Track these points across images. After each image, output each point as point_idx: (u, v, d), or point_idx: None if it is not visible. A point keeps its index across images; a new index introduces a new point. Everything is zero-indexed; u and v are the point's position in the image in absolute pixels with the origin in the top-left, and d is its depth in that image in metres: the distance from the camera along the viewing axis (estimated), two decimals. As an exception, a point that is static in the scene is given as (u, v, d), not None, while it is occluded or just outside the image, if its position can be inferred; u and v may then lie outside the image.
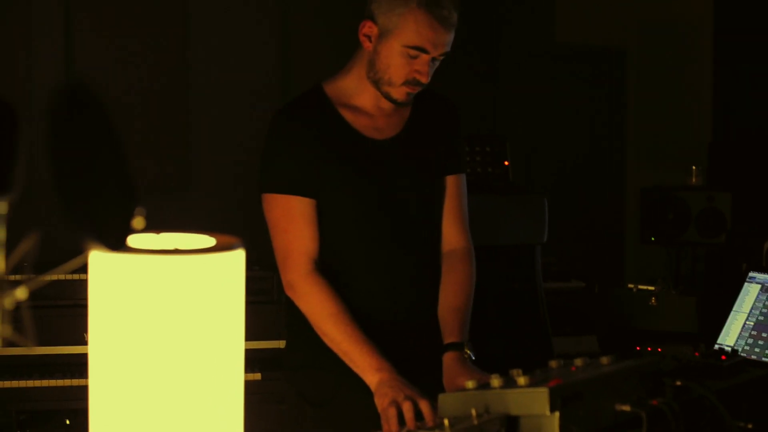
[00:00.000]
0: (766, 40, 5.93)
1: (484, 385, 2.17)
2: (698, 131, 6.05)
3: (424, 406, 2.46)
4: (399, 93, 2.77)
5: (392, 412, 2.50)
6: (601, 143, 6.24)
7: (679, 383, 2.29)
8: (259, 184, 2.82)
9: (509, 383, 2.14)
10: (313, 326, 2.74)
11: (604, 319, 5.01)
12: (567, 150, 6.10)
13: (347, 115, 2.82)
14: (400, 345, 2.78)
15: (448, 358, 2.73)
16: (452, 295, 2.87)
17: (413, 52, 2.71)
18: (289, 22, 5.42)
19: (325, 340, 2.72)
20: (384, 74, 2.75)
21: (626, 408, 2.14)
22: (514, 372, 2.20)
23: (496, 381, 2.15)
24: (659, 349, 4.67)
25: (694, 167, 5.28)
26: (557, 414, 2.00)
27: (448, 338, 2.78)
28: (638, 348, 4.76)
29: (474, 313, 2.95)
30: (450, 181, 2.95)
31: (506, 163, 4.41)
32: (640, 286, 5.04)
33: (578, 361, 2.32)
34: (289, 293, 2.77)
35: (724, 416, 2.30)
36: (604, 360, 2.30)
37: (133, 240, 1.48)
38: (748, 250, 4.46)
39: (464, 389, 2.18)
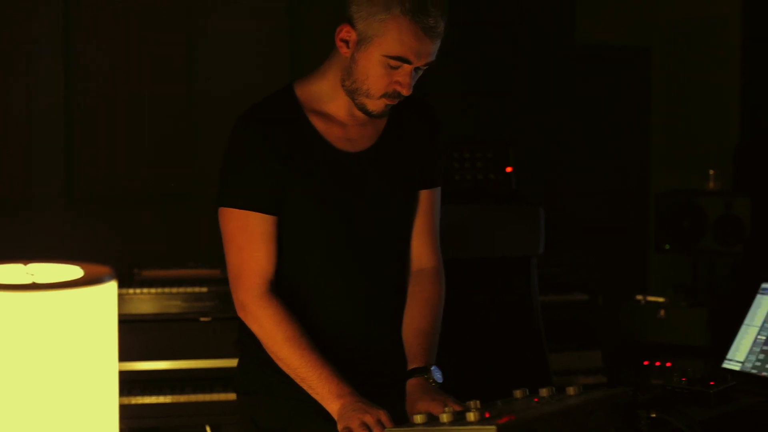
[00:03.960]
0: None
1: (432, 420, 2.04)
2: (724, 134, 5.92)
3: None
4: (376, 105, 2.59)
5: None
6: (623, 147, 6.12)
7: (654, 415, 2.13)
8: (216, 196, 2.64)
9: (459, 419, 2.00)
10: (267, 351, 2.59)
11: (610, 333, 4.87)
12: (587, 155, 5.98)
13: (318, 124, 2.63)
14: (366, 366, 2.64)
15: (411, 384, 2.56)
16: (419, 317, 2.70)
17: (394, 63, 2.51)
18: (297, 29, 5.33)
19: (281, 365, 2.57)
20: (362, 84, 2.56)
21: (586, 446, 1.98)
22: (471, 403, 2.06)
23: (445, 416, 2.02)
24: (668, 364, 4.53)
25: (711, 171, 5.12)
26: (505, 453, 1.84)
27: (413, 363, 2.61)
28: (646, 363, 4.62)
29: (465, 328, 2.81)
30: (423, 195, 2.77)
31: (508, 169, 4.25)
32: (649, 298, 4.90)
33: (543, 392, 2.17)
34: (241, 314, 2.62)
35: (705, 451, 2.13)
36: (572, 390, 2.15)
37: (-3, 272, 1.35)
38: (764, 259, 4.30)
39: (411, 424, 2.05)
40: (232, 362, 3.97)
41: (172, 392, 4.07)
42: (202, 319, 4.06)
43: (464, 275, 3.13)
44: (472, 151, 4.30)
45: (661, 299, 4.88)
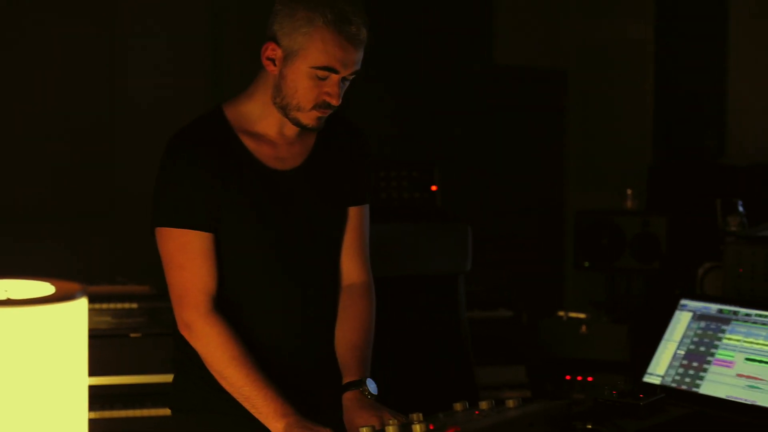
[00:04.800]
0: (706, 64, 5.93)
1: (377, 433, 2.08)
2: (638, 155, 6.02)
3: None
4: (309, 118, 2.63)
5: None
6: (541, 166, 6.19)
7: (589, 426, 2.19)
8: (152, 217, 2.64)
9: (404, 431, 2.04)
10: (210, 370, 2.60)
11: (534, 349, 4.93)
12: (504, 174, 6.04)
13: (249, 144, 2.66)
14: (304, 384, 2.66)
15: (348, 398, 2.59)
16: (351, 331, 2.74)
17: (322, 74, 2.56)
18: (220, 39, 5.34)
19: (224, 384, 2.58)
20: (292, 99, 2.60)
21: (530, 456, 2.04)
22: (414, 416, 2.11)
23: (392, 429, 2.05)
24: (590, 378, 4.61)
25: (629, 191, 5.22)
26: (452, 465, 1.90)
27: (348, 377, 2.65)
28: (568, 377, 4.69)
29: (394, 344, 2.84)
30: (352, 212, 2.81)
31: (434, 188, 4.31)
32: (571, 314, 4.97)
33: (483, 405, 2.22)
34: (185, 333, 2.62)
35: (638, 461, 2.21)
36: (511, 403, 2.22)
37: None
38: (682, 275, 4.40)
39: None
40: (162, 378, 3.99)
41: (101, 408, 4.04)
42: (132, 335, 4.05)
43: (394, 292, 3.17)
44: (398, 170, 4.35)
45: (582, 315, 4.95)
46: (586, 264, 5.11)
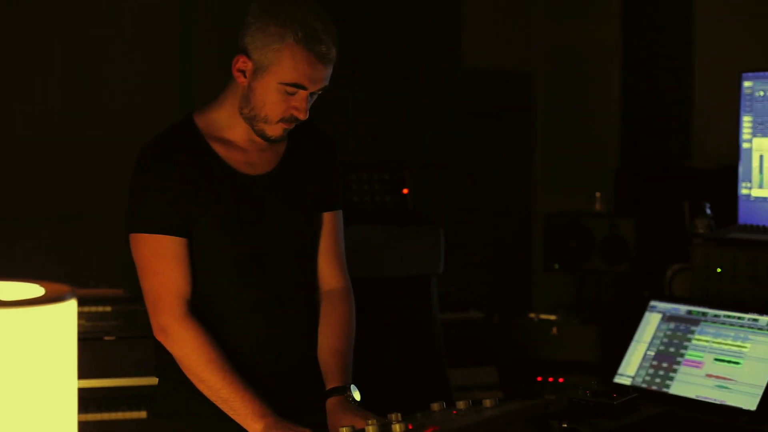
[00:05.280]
0: (673, 66, 5.97)
1: (357, 434, 2.09)
2: (605, 157, 6.06)
3: None
4: (274, 130, 2.66)
5: None
6: (507, 169, 6.21)
7: (565, 425, 2.22)
8: (126, 224, 2.66)
9: (384, 431, 2.05)
10: (187, 373, 2.61)
11: (505, 350, 4.95)
12: (472, 176, 6.06)
13: (220, 150, 2.69)
14: (280, 388, 2.68)
15: (332, 403, 2.62)
16: (332, 336, 2.76)
17: (291, 89, 2.59)
18: (189, 45, 5.34)
19: (201, 387, 2.60)
20: (260, 111, 2.63)
21: (508, 454, 2.06)
22: (393, 416, 2.12)
23: (371, 428, 2.07)
24: (560, 380, 4.64)
25: (598, 194, 5.25)
26: (432, 464, 1.92)
27: (331, 383, 2.67)
28: (539, 378, 4.72)
29: (368, 346, 2.86)
30: (326, 218, 2.84)
31: (405, 191, 4.33)
32: (542, 316, 5.00)
33: (461, 404, 2.25)
34: (161, 338, 2.63)
35: (613, 459, 2.23)
36: (488, 402, 2.24)
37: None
38: (651, 277, 4.43)
39: (336, 438, 2.09)
40: (137, 381, 3.99)
41: (83, 412, 4.05)
42: (106, 338, 4.04)
43: (367, 294, 3.18)
44: (369, 173, 4.37)
45: (553, 317, 4.98)
46: (556, 266, 5.13)
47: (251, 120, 2.65)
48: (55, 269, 4.62)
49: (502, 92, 6.26)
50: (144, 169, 2.64)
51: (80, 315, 4.05)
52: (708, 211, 3.95)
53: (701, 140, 5.89)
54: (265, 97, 2.60)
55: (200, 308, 2.65)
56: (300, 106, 2.61)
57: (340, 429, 2.10)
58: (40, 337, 1.39)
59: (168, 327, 2.60)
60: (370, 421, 2.10)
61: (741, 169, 3.75)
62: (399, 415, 2.12)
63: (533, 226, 6.13)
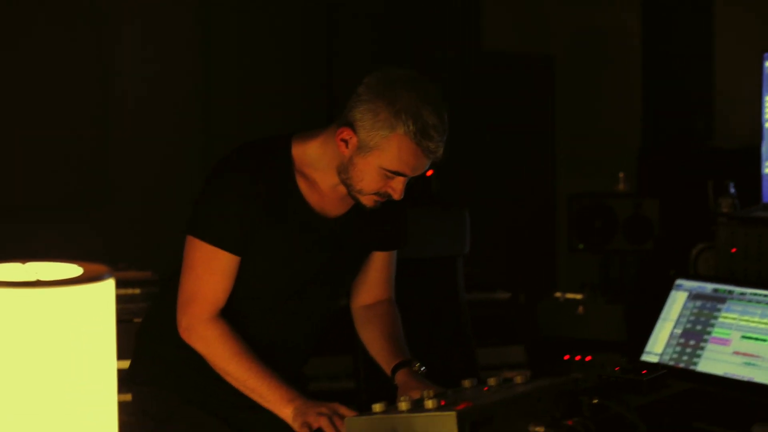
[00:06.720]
0: (693, 46, 5.95)
1: (391, 409, 2.12)
2: (627, 138, 6.05)
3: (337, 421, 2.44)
4: (367, 200, 2.64)
5: (324, 421, 2.45)
6: (530, 150, 6.21)
7: (596, 401, 2.23)
8: (189, 224, 2.69)
9: (417, 407, 2.08)
10: (214, 368, 2.67)
11: (532, 329, 4.96)
12: (495, 157, 6.06)
13: (302, 185, 2.68)
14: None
15: (401, 375, 2.68)
16: (386, 325, 2.84)
17: (390, 174, 2.57)
18: (211, 32, 5.37)
19: (229, 380, 2.65)
20: (356, 184, 2.61)
21: (540, 429, 2.08)
22: (425, 393, 2.14)
23: (403, 404, 2.09)
24: (588, 358, 4.65)
25: (621, 174, 5.25)
26: (466, 439, 1.94)
27: (394, 360, 2.73)
28: (566, 357, 4.73)
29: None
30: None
31: (430, 173, 4.34)
32: (568, 295, 5.00)
33: (491, 381, 2.27)
34: (185, 335, 2.67)
35: (643, 434, 2.24)
36: (519, 379, 2.25)
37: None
38: (675, 256, 4.43)
39: (371, 413, 2.12)
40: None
41: (121, 391, 4.07)
42: (135, 320, 4.06)
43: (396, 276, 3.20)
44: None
45: (578, 296, 4.99)
46: (580, 246, 5.14)
47: (347, 186, 2.64)
48: (85, 251, 4.67)
49: (524, 75, 6.26)
50: (226, 183, 2.66)
51: (110, 298, 4.08)
52: (732, 190, 3.95)
53: (724, 119, 5.88)
54: (364, 174, 2.58)
55: (232, 310, 2.71)
56: (397, 188, 2.59)
57: (373, 405, 2.13)
58: (79, 316, 1.41)
59: (193, 327, 2.66)
60: (402, 397, 2.13)
61: (764, 148, 3.75)
62: (431, 391, 2.14)
63: (557, 206, 6.13)
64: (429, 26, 5.95)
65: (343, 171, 2.62)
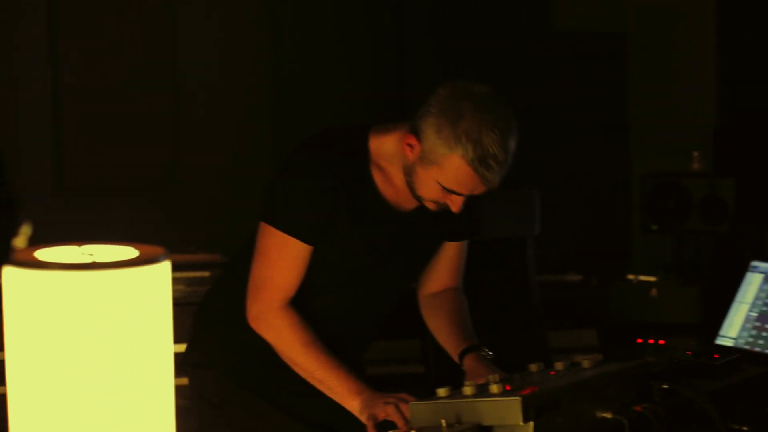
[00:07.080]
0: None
1: (456, 394, 2.09)
2: (702, 116, 5.96)
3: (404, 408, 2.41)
4: (428, 204, 2.61)
5: (391, 410, 2.43)
6: (602, 130, 6.15)
7: (666, 386, 2.19)
8: (263, 211, 2.67)
9: (482, 391, 2.05)
10: (283, 357, 2.66)
11: (604, 312, 4.90)
12: (567, 138, 6.01)
13: (377, 177, 2.66)
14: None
15: (469, 360, 2.65)
16: (453, 311, 2.83)
17: (447, 191, 2.54)
18: (280, 22, 5.38)
19: (297, 370, 2.65)
20: (417, 190, 2.58)
21: (608, 415, 2.04)
22: (490, 377, 2.11)
23: (468, 389, 2.07)
24: (661, 342, 4.59)
25: (695, 153, 5.16)
26: (531, 424, 1.92)
27: (463, 345, 2.71)
28: (639, 341, 4.66)
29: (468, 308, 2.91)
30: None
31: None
32: (641, 278, 4.93)
33: (559, 365, 2.23)
34: (254, 324, 2.66)
35: (715, 419, 2.19)
36: (586, 363, 2.22)
37: (52, 253, 1.39)
38: (751, 238, 4.35)
39: (435, 398, 2.09)
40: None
41: (177, 375, 4.09)
42: None
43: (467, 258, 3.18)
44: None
45: (652, 278, 4.91)
46: (654, 227, 5.07)
47: (410, 188, 2.61)
48: (153, 235, 4.70)
49: (593, 54, 6.20)
50: (301, 169, 2.64)
51: (179, 280, 4.07)
52: (811, 168, 3.86)
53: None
54: (423, 183, 2.55)
55: (299, 296, 2.69)
56: (456, 202, 2.54)
57: (437, 390, 2.11)
58: (135, 299, 1.40)
59: (262, 315, 2.64)
60: (467, 382, 2.11)
61: None
62: (497, 375, 2.12)
63: (630, 187, 6.06)
64: (497, 6, 5.90)
65: (407, 174, 2.59)
